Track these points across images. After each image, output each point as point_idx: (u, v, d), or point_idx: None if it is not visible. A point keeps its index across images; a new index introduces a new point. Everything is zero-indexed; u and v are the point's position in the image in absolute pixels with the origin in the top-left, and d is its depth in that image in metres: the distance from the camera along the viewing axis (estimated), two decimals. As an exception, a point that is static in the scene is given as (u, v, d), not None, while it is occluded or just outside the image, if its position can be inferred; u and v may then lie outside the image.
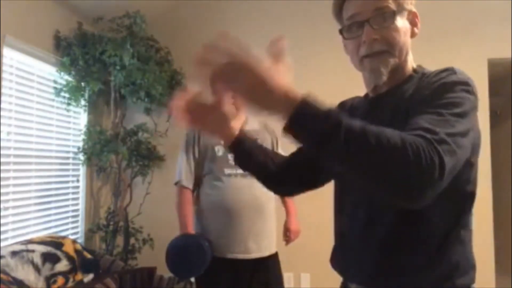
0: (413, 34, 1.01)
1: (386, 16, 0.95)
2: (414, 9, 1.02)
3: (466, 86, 0.86)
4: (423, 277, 0.89)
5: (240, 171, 2.06)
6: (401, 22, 0.97)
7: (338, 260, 1.06)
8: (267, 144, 2.21)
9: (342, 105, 1.20)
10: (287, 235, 2.28)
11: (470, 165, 0.89)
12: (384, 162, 0.70)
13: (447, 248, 0.90)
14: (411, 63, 1.03)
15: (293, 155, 1.18)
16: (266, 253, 2.11)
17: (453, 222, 0.91)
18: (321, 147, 0.73)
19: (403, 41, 0.97)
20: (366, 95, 1.10)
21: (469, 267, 0.93)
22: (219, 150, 2.09)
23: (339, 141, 0.70)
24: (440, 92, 0.85)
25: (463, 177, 0.88)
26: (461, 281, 0.90)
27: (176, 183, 2.15)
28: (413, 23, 1.01)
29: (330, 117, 0.72)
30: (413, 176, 0.69)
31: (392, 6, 0.95)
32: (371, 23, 0.94)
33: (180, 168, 2.14)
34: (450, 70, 0.91)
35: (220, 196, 2.04)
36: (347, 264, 1.02)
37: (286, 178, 1.14)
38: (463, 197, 0.92)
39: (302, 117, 0.73)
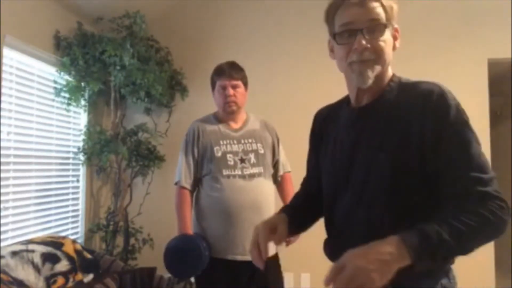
0: (394, 48, 1.09)
1: (378, 28, 1.03)
2: (396, 25, 1.09)
3: (462, 111, 1.02)
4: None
5: (238, 172, 2.05)
6: (388, 35, 1.05)
7: (336, 253, 1.07)
8: (268, 143, 2.20)
9: (319, 115, 1.30)
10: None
11: None
12: (483, 237, 0.91)
13: None
14: (389, 74, 1.11)
15: (308, 188, 1.35)
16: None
17: None
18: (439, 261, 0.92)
19: (387, 53, 1.05)
20: (348, 103, 1.17)
21: None
22: (218, 151, 2.07)
23: (453, 252, 0.93)
24: (457, 138, 0.97)
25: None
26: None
27: (176, 183, 2.15)
28: (395, 38, 1.09)
29: (431, 249, 0.86)
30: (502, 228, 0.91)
31: (383, 19, 1.04)
32: (364, 33, 1.02)
33: (180, 168, 2.12)
34: (439, 90, 1.01)
35: (218, 197, 2.03)
36: None
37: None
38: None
39: (420, 260, 0.85)
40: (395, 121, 1.03)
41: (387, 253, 0.84)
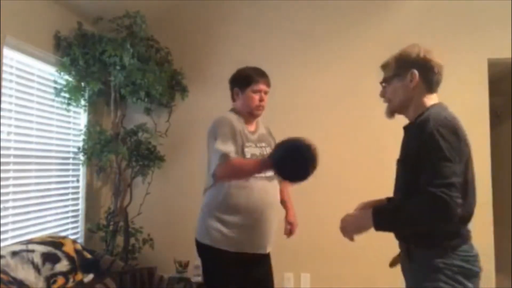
0: (408, 87, 1.54)
1: (384, 82, 1.63)
2: (414, 70, 1.52)
3: (441, 130, 1.38)
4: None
5: (265, 173, 2.05)
6: (398, 83, 1.56)
7: None
8: (271, 145, 2.23)
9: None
10: (290, 228, 2.32)
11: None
12: (423, 220, 1.38)
13: None
14: (423, 104, 1.53)
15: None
16: (271, 247, 2.19)
17: None
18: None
19: (395, 95, 1.59)
20: None
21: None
22: (247, 152, 2.06)
23: (398, 226, 1.50)
24: (429, 151, 1.39)
25: None
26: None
27: (220, 159, 1.94)
28: (409, 80, 1.53)
29: (382, 223, 1.47)
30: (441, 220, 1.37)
31: (389, 73, 1.60)
32: (383, 86, 1.65)
33: (218, 149, 1.94)
34: (428, 121, 1.42)
35: (246, 197, 2.04)
36: None
37: None
38: None
39: (378, 226, 1.46)
40: (408, 141, 1.56)
41: (360, 218, 1.53)
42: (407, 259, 1.56)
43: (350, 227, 1.53)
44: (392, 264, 1.67)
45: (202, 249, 2.10)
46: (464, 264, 1.43)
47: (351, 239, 1.53)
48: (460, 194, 1.32)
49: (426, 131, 1.40)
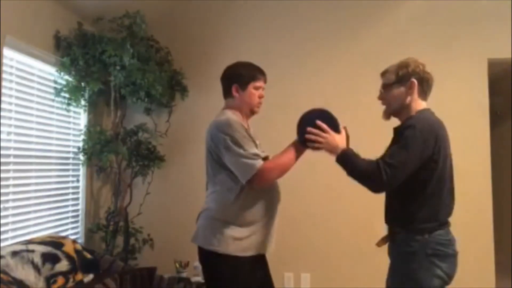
0: (407, 95, 1.75)
1: (383, 89, 1.82)
2: (414, 79, 1.73)
3: (413, 128, 1.62)
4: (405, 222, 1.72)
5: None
6: (397, 89, 1.76)
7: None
8: (260, 142, 2.19)
9: None
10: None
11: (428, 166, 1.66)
12: (360, 178, 1.71)
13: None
14: (414, 109, 1.74)
15: None
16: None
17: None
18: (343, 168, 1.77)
19: (392, 101, 1.79)
20: None
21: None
22: (259, 150, 2.00)
23: (346, 169, 1.75)
24: (400, 137, 1.67)
25: (420, 175, 1.65)
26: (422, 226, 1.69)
27: (258, 163, 1.88)
28: (408, 87, 1.74)
29: (341, 160, 1.77)
30: (373, 185, 1.69)
31: (389, 80, 1.78)
32: (381, 90, 1.83)
33: (245, 157, 1.88)
34: (411, 118, 1.71)
35: (264, 196, 1.98)
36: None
37: None
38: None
39: (339, 161, 1.78)
40: (393, 140, 1.78)
41: (336, 144, 1.79)
42: (391, 242, 1.76)
43: (323, 140, 1.81)
44: (379, 244, 1.81)
45: (211, 257, 1.96)
46: (439, 247, 1.63)
47: (314, 147, 1.85)
48: (399, 178, 1.60)
49: (406, 126, 1.66)
